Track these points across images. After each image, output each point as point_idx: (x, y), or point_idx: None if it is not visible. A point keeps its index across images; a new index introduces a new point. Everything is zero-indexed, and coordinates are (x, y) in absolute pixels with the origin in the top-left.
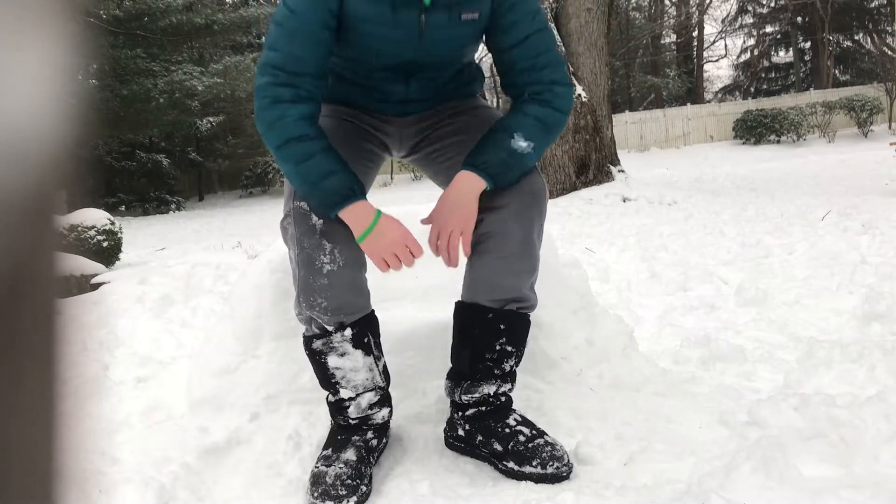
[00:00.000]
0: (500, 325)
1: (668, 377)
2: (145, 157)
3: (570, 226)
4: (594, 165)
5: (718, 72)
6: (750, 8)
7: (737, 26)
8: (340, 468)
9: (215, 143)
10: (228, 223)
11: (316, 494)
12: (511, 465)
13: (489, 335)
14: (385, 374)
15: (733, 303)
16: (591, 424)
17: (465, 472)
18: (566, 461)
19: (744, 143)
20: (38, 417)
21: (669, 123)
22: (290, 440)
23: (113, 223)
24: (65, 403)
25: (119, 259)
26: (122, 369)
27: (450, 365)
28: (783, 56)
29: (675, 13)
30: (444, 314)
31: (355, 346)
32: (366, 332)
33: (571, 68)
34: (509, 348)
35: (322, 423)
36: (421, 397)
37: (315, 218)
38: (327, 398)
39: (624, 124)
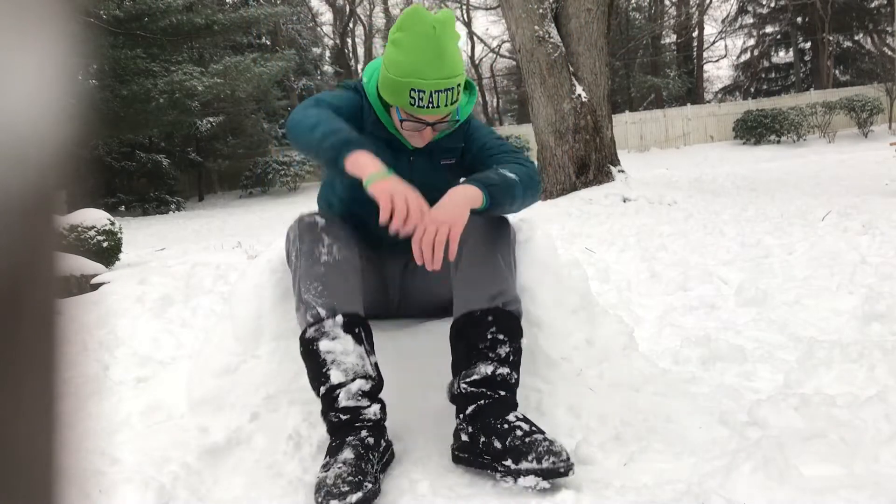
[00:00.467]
0: (489, 317)
1: (668, 377)
2: (145, 157)
3: (570, 226)
4: (594, 165)
5: (718, 72)
6: (750, 8)
7: (737, 26)
8: (339, 468)
9: (215, 143)
10: (228, 223)
11: (320, 499)
12: (508, 462)
13: (480, 327)
14: (377, 371)
15: (733, 303)
16: (590, 424)
17: (466, 472)
18: (565, 457)
19: (744, 144)
20: (38, 417)
21: (669, 124)
22: (290, 440)
23: (113, 223)
24: (65, 403)
25: (119, 259)
26: (122, 369)
27: (450, 378)
28: (783, 56)
29: (675, 13)
30: (445, 326)
31: (346, 332)
32: (357, 325)
33: (572, 68)
34: (501, 336)
35: (322, 423)
36: (421, 401)
37: (318, 218)
38: (320, 396)
39: (624, 124)
